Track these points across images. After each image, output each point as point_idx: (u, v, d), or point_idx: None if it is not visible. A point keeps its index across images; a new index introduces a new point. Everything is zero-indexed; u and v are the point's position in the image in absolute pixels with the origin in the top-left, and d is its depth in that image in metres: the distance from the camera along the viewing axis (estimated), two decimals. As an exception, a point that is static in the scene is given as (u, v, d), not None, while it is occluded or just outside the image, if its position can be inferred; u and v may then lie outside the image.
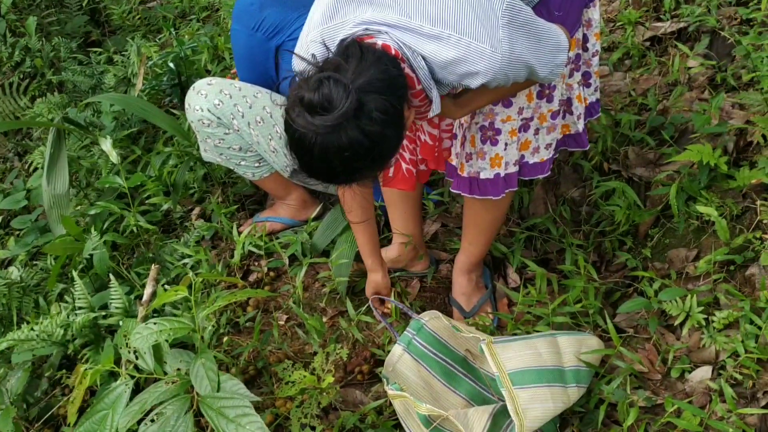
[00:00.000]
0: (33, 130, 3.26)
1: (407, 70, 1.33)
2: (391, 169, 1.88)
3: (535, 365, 1.62)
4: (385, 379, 1.66)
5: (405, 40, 1.32)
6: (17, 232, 2.83)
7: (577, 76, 1.74)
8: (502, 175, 1.73)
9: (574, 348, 1.71)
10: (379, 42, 1.31)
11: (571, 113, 1.78)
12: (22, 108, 3.22)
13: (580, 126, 1.80)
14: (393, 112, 1.26)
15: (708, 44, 2.33)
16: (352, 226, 1.95)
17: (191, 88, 2.07)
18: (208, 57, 2.70)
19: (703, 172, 1.90)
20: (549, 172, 1.80)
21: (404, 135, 1.35)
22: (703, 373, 1.67)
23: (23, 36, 3.24)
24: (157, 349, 1.46)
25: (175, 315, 1.78)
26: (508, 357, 1.62)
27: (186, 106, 2.09)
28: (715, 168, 1.88)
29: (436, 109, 1.41)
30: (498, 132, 1.67)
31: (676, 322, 1.74)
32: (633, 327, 1.86)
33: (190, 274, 1.54)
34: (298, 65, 1.37)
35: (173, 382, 1.41)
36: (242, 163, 2.17)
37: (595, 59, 1.78)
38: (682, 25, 2.43)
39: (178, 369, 1.42)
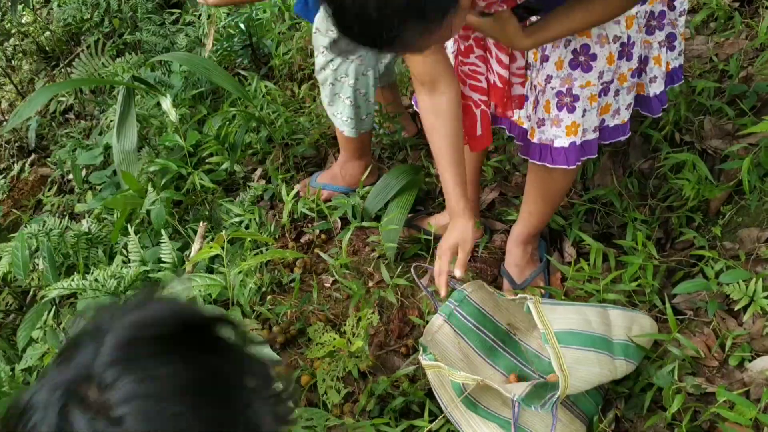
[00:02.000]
0: (113, 88, 3.38)
1: None
2: (478, 126, 1.70)
3: (583, 329, 1.53)
4: (421, 348, 1.63)
5: None
6: (97, 187, 2.97)
7: (660, 35, 1.58)
8: (578, 143, 1.61)
9: (626, 324, 1.61)
10: None
11: (645, 73, 1.63)
12: (104, 66, 3.35)
13: (653, 90, 1.64)
14: None
15: (805, 5, 2.12)
16: (434, 152, 1.64)
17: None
18: (271, 16, 2.70)
19: (783, 146, 1.74)
20: (630, 133, 1.67)
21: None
22: (765, 363, 1.54)
23: (106, -4, 3.35)
24: (192, 303, 1.49)
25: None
26: (555, 318, 1.54)
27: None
28: (796, 141, 1.72)
29: None
30: (576, 98, 1.55)
31: (738, 307, 1.62)
32: (693, 309, 1.74)
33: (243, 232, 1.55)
34: None
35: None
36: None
37: (682, 19, 1.61)
38: (777, -17, 2.22)
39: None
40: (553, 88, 1.57)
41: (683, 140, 2.06)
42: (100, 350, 0.66)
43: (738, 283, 1.61)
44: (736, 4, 2.30)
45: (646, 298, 1.76)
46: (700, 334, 1.67)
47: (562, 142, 1.62)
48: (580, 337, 1.47)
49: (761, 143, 1.82)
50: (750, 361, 1.56)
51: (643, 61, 1.61)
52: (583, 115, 1.57)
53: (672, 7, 1.58)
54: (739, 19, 2.20)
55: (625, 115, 1.63)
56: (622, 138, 1.66)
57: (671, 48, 1.65)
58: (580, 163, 1.65)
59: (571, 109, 1.57)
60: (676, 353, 1.56)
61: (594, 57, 1.50)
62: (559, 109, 1.58)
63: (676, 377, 1.52)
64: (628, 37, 1.51)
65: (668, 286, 1.83)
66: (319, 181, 2.36)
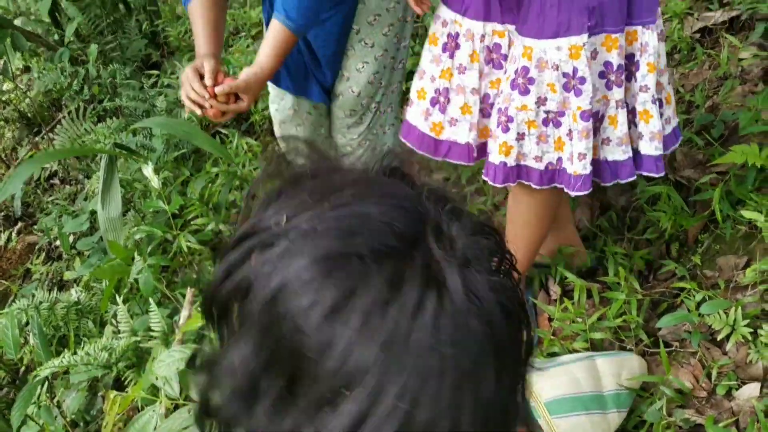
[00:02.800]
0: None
1: None
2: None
3: (572, 392, 1.56)
4: None
5: None
6: (85, 253, 2.98)
7: (618, 92, 1.48)
8: (510, 165, 1.56)
9: (614, 371, 1.63)
10: None
11: (599, 132, 1.53)
12: (86, 132, 3.39)
13: (605, 154, 1.56)
14: None
15: (762, 33, 2.18)
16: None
17: None
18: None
19: (751, 174, 1.79)
20: (586, 191, 1.52)
21: None
22: (751, 390, 1.57)
23: (85, 63, 3.41)
24: (183, 375, 1.50)
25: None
26: (543, 386, 1.57)
27: None
28: (764, 169, 1.77)
29: None
30: (510, 119, 1.51)
31: (721, 336, 1.64)
32: (678, 341, 1.77)
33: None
34: None
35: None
36: None
37: (643, 96, 1.50)
38: (734, 13, 2.29)
39: (201, 396, 1.45)
40: (497, 103, 1.56)
41: (657, 172, 2.10)
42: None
43: (718, 313, 1.64)
44: (698, 35, 2.37)
45: (632, 333, 1.78)
46: (687, 365, 1.69)
47: (493, 158, 1.58)
48: (570, 403, 1.50)
49: (731, 171, 1.86)
50: (737, 389, 1.58)
51: (599, 118, 1.53)
52: (518, 139, 1.53)
53: (634, 79, 1.49)
54: (701, 50, 2.26)
55: (577, 167, 1.51)
56: (572, 192, 1.54)
57: (635, 124, 1.54)
58: (544, 207, 1.67)
59: (505, 129, 1.53)
60: (666, 392, 1.58)
61: (532, 81, 1.46)
62: (497, 125, 1.56)
63: (665, 413, 1.54)
64: (574, 69, 1.42)
65: (654, 318, 1.86)
66: None
